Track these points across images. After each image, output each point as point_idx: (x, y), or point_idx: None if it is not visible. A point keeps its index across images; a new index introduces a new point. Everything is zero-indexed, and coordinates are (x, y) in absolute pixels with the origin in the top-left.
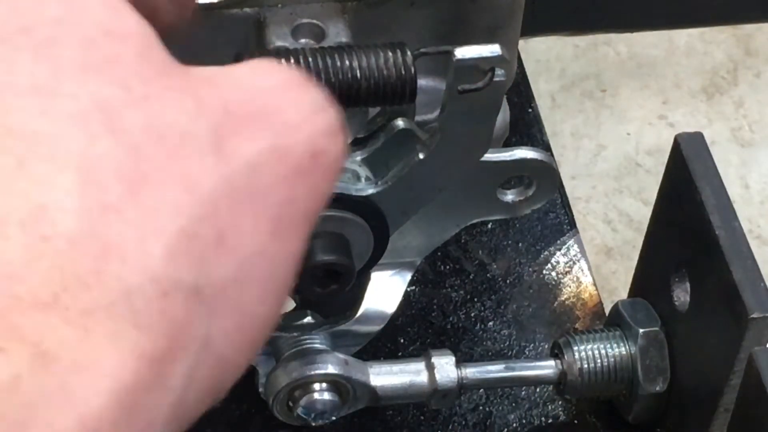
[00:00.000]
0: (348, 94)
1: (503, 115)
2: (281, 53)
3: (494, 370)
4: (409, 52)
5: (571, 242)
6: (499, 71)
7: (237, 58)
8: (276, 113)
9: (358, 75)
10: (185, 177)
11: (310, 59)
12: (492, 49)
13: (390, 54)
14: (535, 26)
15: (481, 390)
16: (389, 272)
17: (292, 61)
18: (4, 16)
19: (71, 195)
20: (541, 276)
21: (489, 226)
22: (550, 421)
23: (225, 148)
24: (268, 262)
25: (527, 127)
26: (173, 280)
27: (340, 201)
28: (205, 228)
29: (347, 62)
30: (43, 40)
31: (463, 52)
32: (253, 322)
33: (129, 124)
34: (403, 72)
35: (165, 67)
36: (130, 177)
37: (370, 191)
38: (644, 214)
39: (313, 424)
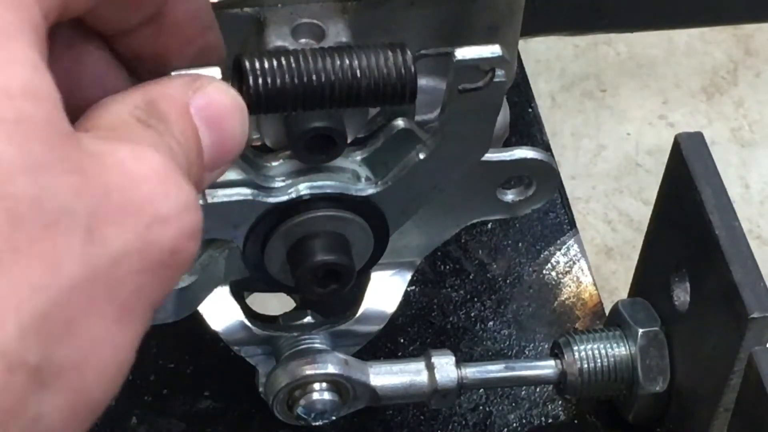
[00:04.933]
0: (348, 95)
1: (503, 115)
2: (281, 53)
3: (494, 370)
4: (409, 53)
5: (571, 242)
6: (499, 72)
7: (235, 64)
8: (149, 204)
9: (358, 75)
10: (53, 258)
11: (310, 59)
12: (492, 50)
13: (390, 54)
14: (535, 26)
15: (481, 390)
16: (389, 272)
17: (292, 61)
18: None
19: None
20: (541, 276)
21: (489, 226)
22: (550, 421)
23: (96, 234)
24: (110, 348)
25: (527, 127)
26: (18, 359)
27: (340, 201)
28: (58, 312)
29: (347, 63)
30: None
31: (463, 53)
32: (87, 403)
33: (18, 190)
34: (403, 72)
35: (65, 136)
36: (6, 246)
37: (370, 191)
38: (644, 214)
39: (313, 424)
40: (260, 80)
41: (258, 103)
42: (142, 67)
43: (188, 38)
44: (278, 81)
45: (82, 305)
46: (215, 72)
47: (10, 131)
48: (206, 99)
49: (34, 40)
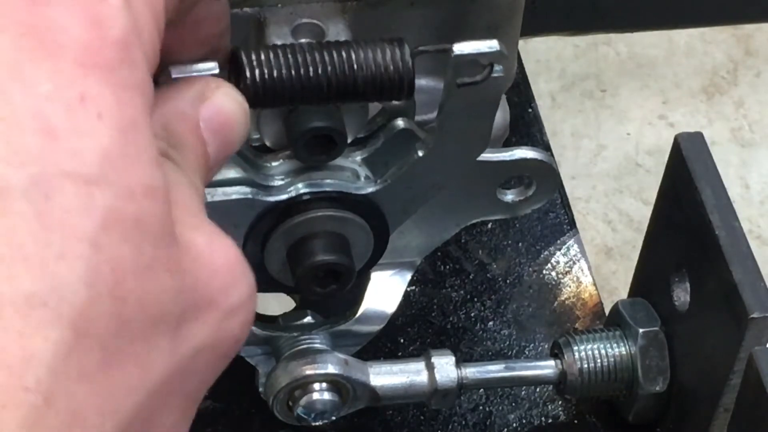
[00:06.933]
0: (345, 88)
1: (503, 116)
2: (279, 49)
3: (494, 370)
4: (407, 47)
5: (571, 242)
6: (497, 67)
7: (233, 56)
8: (223, 296)
9: (356, 68)
10: (146, 359)
11: (307, 52)
12: (490, 45)
13: (387, 48)
14: (535, 26)
15: (481, 390)
16: (389, 272)
17: (289, 53)
18: (62, 145)
19: (58, 354)
20: (541, 276)
21: (489, 226)
22: (550, 421)
23: (182, 331)
24: None
25: (527, 127)
26: None
27: (340, 200)
28: (144, 411)
29: (344, 56)
30: (89, 176)
31: (461, 48)
32: None
33: (129, 293)
34: (401, 66)
35: (171, 232)
36: (110, 349)
37: (370, 189)
38: (644, 214)
39: (313, 424)
40: (257, 72)
41: (255, 96)
42: None
43: (204, 39)
44: (275, 73)
45: (161, 403)
46: (213, 66)
47: (129, 231)
48: (214, 109)
49: (150, 124)
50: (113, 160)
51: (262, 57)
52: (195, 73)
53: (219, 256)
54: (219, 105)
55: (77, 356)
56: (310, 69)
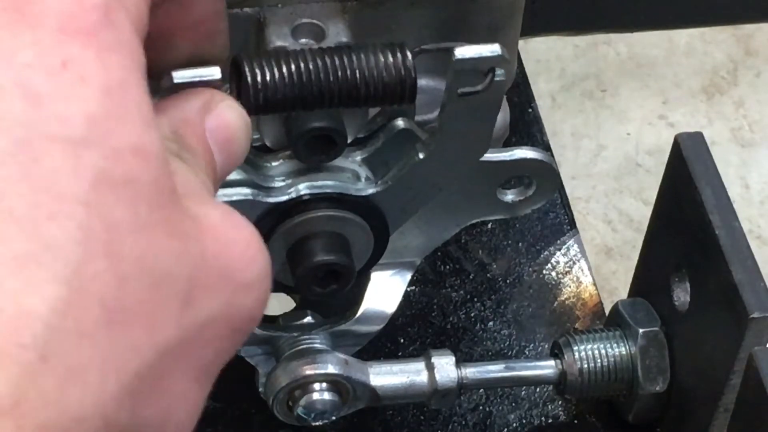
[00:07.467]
0: (348, 95)
1: (503, 116)
2: (280, 54)
3: (494, 370)
4: (409, 53)
5: (571, 242)
6: (499, 71)
7: (234, 63)
8: (237, 271)
9: (358, 76)
10: (152, 320)
11: (309, 60)
12: (492, 49)
13: (389, 54)
14: (535, 26)
15: (481, 390)
16: (389, 272)
17: (291, 62)
18: (46, 110)
19: (55, 310)
20: (541, 276)
21: (489, 226)
22: (550, 421)
23: (191, 299)
24: (186, 407)
25: (527, 127)
26: (114, 419)
27: (340, 201)
28: (150, 373)
29: (346, 63)
30: (75, 138)
31: (462, 52)
32: None
33: (126, 252)
34: (403, 72)
35: (170, 195)
36: (111, 307)
37: (370, 191)
38: (644, 214)
39: (313, 424)
40: (259, 81)
41: (257, 104)
42: (147, 45)
43: (200, 18)
44: (277, 82)
45: (170, 367)
46: (215, 72)
47: (120, 191)
48: (218, 120)
49: (143, 84)
50: (99, 122)
51: (264, 66)
52: (197, 78)
53: (234, 232)
54: (223, 116)
55: (75, 313)
56: (312, 78)
